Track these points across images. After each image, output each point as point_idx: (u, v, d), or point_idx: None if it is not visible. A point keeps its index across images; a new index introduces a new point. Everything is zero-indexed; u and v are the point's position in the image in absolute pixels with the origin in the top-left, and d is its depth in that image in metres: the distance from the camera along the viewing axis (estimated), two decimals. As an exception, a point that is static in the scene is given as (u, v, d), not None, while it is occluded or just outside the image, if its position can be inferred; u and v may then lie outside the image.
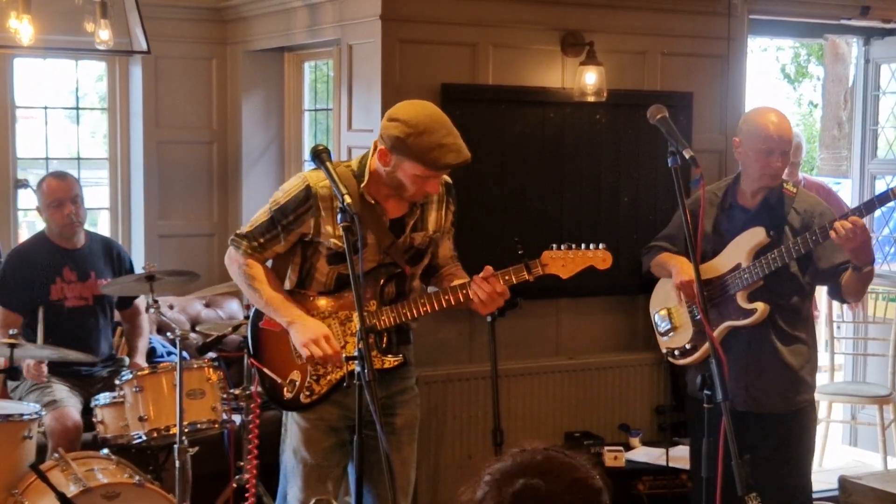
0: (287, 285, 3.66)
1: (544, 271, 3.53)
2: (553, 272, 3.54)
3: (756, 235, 3.99)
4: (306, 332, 3.48)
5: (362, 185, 3.49)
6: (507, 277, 3.50)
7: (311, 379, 3.57)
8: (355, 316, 3.45)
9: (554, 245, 3.55)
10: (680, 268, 4.08)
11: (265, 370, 3.63)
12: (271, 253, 3.63)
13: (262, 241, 3.59)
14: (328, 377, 3.56)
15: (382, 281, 3.55)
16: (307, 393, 3.57)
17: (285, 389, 3.59)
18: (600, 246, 3.57)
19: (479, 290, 3.48)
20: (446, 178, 3.68)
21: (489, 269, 3.50)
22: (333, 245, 3.49)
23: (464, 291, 3.50)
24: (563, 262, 3.54)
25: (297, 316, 3.52)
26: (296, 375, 3.58)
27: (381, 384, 3.48)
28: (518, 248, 3.56)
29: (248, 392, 4.63)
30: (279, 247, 3.60)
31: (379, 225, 3.52)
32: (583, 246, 3.56)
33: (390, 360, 3.59)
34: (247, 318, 4.01)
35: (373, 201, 3.51)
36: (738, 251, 4.02)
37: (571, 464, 1.75)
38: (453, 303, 3.53)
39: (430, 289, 3.74)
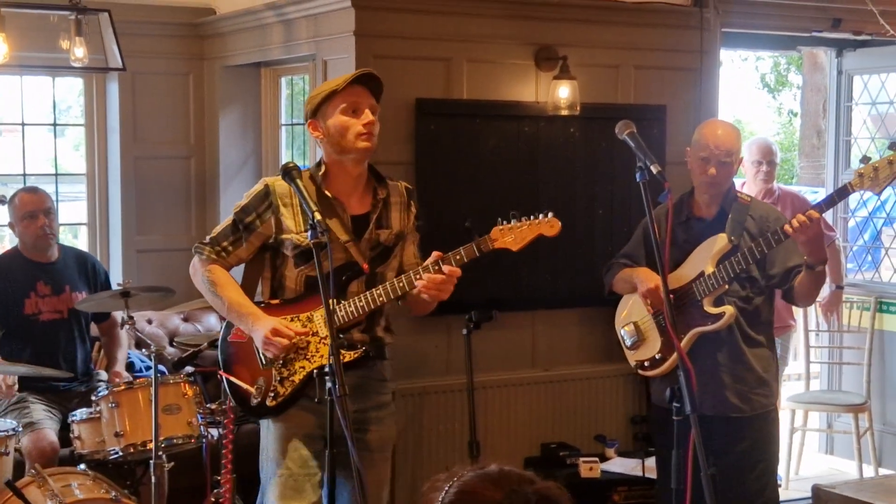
0: (259, 299, 3.68)
1: (494, 246, 3.55)
2: (503, 246, 3.56)
3: (718, 242, 4.08)
4: (259, 333, 3.51)
5: (320, 179, 3.55)
6: (458, 257, 3.51)
7: (276, 382, 3.59)
8: (316, 314, 3.54)
9: (501, 219, 3.56)
10: (644, 277, 4.16)
11: (231, 378, 3.65)
12: (235, 258, 3.65)
13: (225, 244, 3.63)
14: (291, 378, 3.57)
15: (344, 278, 3.55)
16: (272, 396, 3.58)
17: (251, 396, 3.61)
18: (549, 215, 3.59)
19: (424, 282, 3.47)
20: (406, 184, 3.76)
21: (437, 253, 3.52)
22: (296, 241, 3.51)
23: (417, 276, 3.50)
24: (511, 234, 3.56)
25: (254, 320, 3.55)
26: (261, 381, 3.61)
27: (356, 398, 3.50)
28: (468, 227, 3.57)
29: (224, 407, 4.65)
30: (242, 250, 3.63)
31: (340, 221, 3.54)
32: (529, 217, 3.57)
33: (350, 354, 3.53)
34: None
35: (331, 196, 3.55)
36: (702, 259, 4.09)
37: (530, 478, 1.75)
38: (399, 292, 3.51)
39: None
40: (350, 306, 3.53)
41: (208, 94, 6.45)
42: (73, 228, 6.94)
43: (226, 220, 3.68)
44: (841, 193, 3.97)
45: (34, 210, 5.02)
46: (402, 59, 5.12)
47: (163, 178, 6.44)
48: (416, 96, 5.12)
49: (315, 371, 3.48)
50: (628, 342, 4.33)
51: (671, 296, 4.04)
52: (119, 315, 5.06)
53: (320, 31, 5.30)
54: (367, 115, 3.54)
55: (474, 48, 5.24)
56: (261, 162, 6.47)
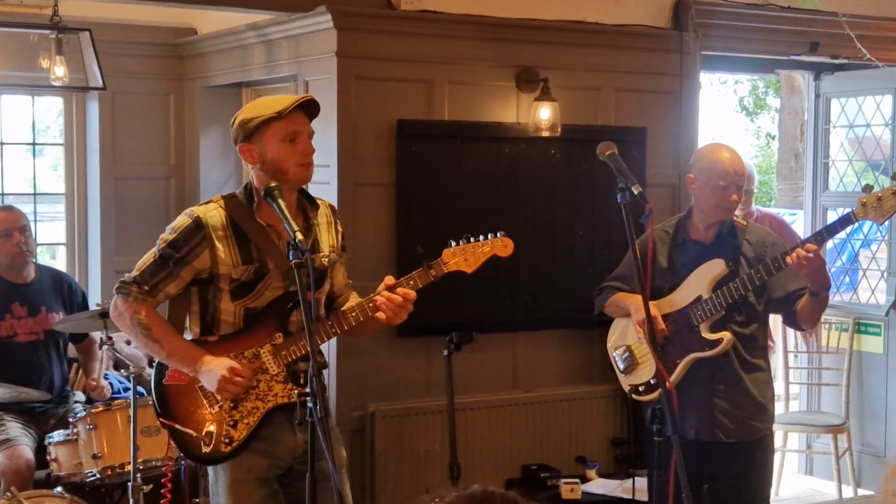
0: (190, 337, 3.47)
1: (447, 269, 3.47)
2: (456, 269, 3.48)
3: (715, 267, 4.04)
4: (215, 374, 3.32)
5: (253, 207, 3.41)
6: (411, 282, 3.44)
7: (228, 426, 3.39)
8: (262, 351, 3.38)
9: (452, 242, 3.50)
10: (637, 306, 4.09)
11: (178, 427, 3.42)
12: (163, 296, 3.42)
13: (153, 282, 3.39)
14: (245, 421, 3.39)
15: (290, 306, 3.40)
16: (226, 441, 3.39)
17: (202, 443, 3.40)
18: (499, 234, 3.54)
19: (384, 301, 3.41)
20: (330, 202, 3.65)
21: (390, 278, 3.46)
22: (234, 275, 3.35)
23: (370, 304, 3.42)
24: (464, 256, 3.49)
25: (201, 362, 3.35)
26: (211, 427, 3.40)
27: (301, 428, 3.32)
28: (419, 251, 3.51)
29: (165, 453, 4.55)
30: (172, 287, 3.40)
31: (276, 250, 3.38)
32: (482, 237, 3.52)
33: (301, 389, 3.30)
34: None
35: (266, 225, 3.41)
36: (698, 283, 4.06)
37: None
38: (362, 318, 3.43)
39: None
40: (301, 341, 3.37)
41: (189, 114, 6.44)
42: (52, 248, 6.90)
43: (148, 254, 3.44)
44: (844, 222, 3.93)
45: (9, 228, 4.98)
46: (383, 81, 5.13)
47: (142, 198, 6.42)
48: (398, 117, 5.12)
49: (297, 393, 3.33)
50: (621, 366, 4.29)
51: (665, 322, 4.05)
52: (98, 335, 5.03)
53: (302, 52, 5.30)
54: (306, 143, 3.41)
55: (456, 70, 5.26)
56: (241, 183, 6.42)
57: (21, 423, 4.89)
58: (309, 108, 3.45)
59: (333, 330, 3.46)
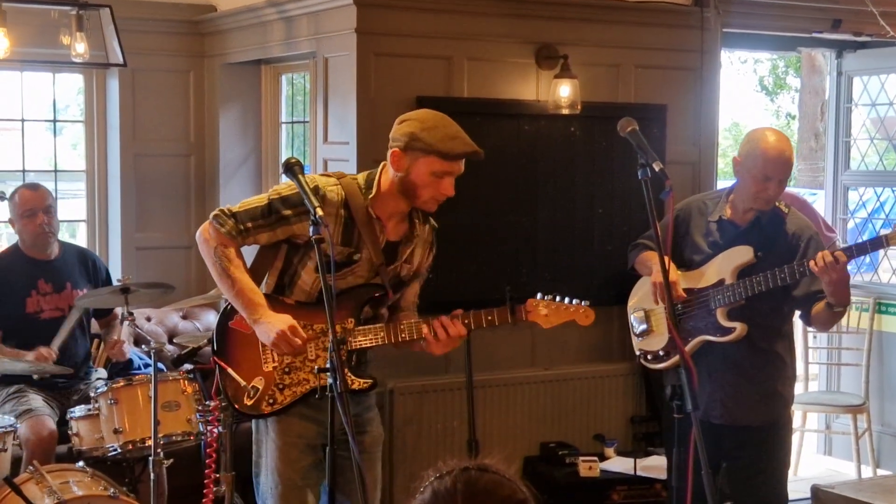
0: (263, 290, 3.55)
1: (527, 318, 3.55)
2: (535, 320, 3.56)
3: (744, 254, 3.98)
4: (272, 328, 3.39)
5: (370, 197, 3.48)
6: (489, 318, 3.51)
7: (275, 388, 3.49)
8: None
9: (539, 294, 3.57)
10: (659, 268, 4.08)
11: (229, 370, 3.51)
12: (252, 241, 3.50)
13: (249, 225, 3.45)
14: (293, 388, 3.49)
15: (377, 295, 3.51)
16: (269, 402, 3.49)
17: (246, 395, 3.49)
18: (584, 303, 3.59)
19: (439, 328, 3.48)
20: (433, 221, 3.69)
21: (458, 311, 3.52)
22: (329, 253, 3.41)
23: (426, 326, 3.50)
24: (546, 312, 3.56)
25: (263, 313, 3.42)
26: (259, 382, 3.50)
27: (352, 402, 3.48)
28: (509, 294, 3.54)
29: (223, 404, 4.62)
30: (264, 237, 3.47)
31: (376, 243, 3.48)
32: (567, 300, 3.58)
33: (360, 382, 3.53)
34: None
35: (375, 217, 3.48)
36: (724, 267, 4.01)
37: (493, 483, 1.71)
38: (407, 338, 3.51)
39: None
40: (369, 334, 3.49)
41: (208, 91, 6.45)
42: (72, 226, 6.93)
43: (257, 198, 3.51)
44: (874, 244, 3.87)
45: (34, 208, 5.01)
46: (402, 57, 5.12)
47: (162, 175, 6.43)
48: (417, 94, 5.11)
49: (317, 368, 3.39)
50: (637, 328, 4.26)
51: (685, 295, 4.03)
52: (119, 311, 5.05)
53: (321, 29, 5.29)
54: (449, 185, 3.46)
55: (475, 46, 5.24)
56: (260, 160, 6.46)
57: (43, 396, 4.92)
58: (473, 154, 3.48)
59: (403, 335, 3.52)
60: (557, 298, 3.57)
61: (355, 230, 3.45)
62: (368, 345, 3.51)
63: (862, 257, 3.87)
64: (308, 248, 3.45)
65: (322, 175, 3.56)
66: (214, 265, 3.48)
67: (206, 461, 4.22)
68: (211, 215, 3.52)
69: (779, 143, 3.97)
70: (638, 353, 4.27)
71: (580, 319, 3.59)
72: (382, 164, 3.53)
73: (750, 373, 4.08)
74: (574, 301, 3.58)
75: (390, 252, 3.54)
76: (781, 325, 4.13)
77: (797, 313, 4.16)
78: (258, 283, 3.54)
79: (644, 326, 4.22)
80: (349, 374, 3.46)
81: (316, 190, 3.41)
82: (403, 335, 3.50)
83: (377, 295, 3.52)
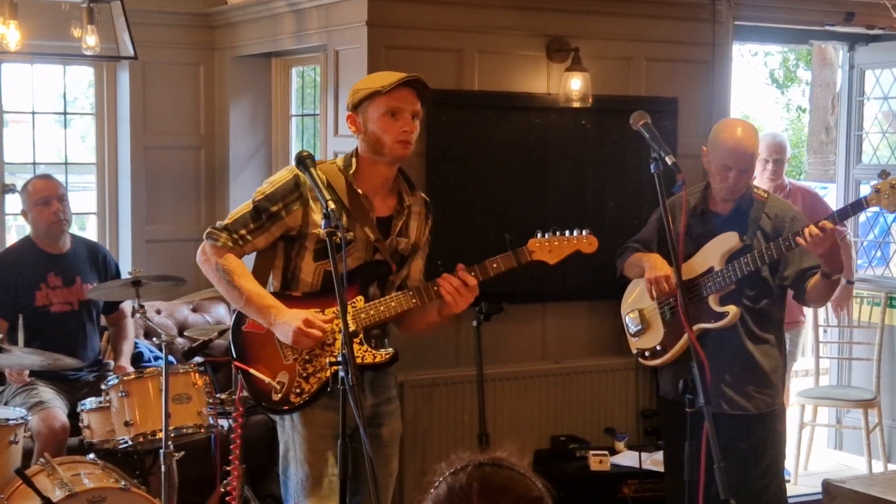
0: (270, 290, 3.57)
1: (532, 258, 3.58)
2: (540, 258, 3.59)
3: (729, 240, 4.05)
4: (289, 328, 3.40)
5: (351, 173, 3.49)
6: (495, 265, 3.53)
7: (300, 378, 3.49)
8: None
9: (539, 232, 3.60)
10: (652, 263, 4.15)
11: (252, 371, 3.51)
12: (251, 247, 3.53)
13: (243, 233, 3.48)
14: (317, 375, 3.48)
15: (372, 276, 3.51)
16: (297, 392, 3.49)
17: (273, 391, 3.50)
18: (584, 232, 3.63)
19: (446, 283, 3.49)
20: (424, 196, 3.71)
21: (461, 265, 3.53)
22: (321, 236, 3.38)
23: (435, 288, 3.50)
24: (549, 248, 3.59)
25: (276, 314, 3.43)
26: (283, 377, 3.50)
27: (371, 393, 3.51)
28: (508, 240, 3.56)
29: (233, 397, 4.63)
30: (261, 239, 3.50)
31: (367, 219, 3.48)
32: (567, 232, 3.62)
33: (381, 355, 3.53)
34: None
35: (361, 192, 3.48)
36: (711, 255, 4.07)
37: (509, 480, 1.69)
38: (419, 302, 3.51)
39: None
40: (381, 306, 3.49)
41: (218, 84, 6.44)
42: (82, 218, 6.93)
43: (243, 206, 3.54)
44: (855, 207, 3.92)
45: (48, 196, 5.02)
46: (413, 50, 5.11)
47: (172, 168, 6.44)
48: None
49: (328, 362, 3.39)
50: (632, 329, 4.32)
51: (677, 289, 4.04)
52: (129, 305, 5.06)
53: (332, 22, 5.28)
54: (408, 121, 3.47)
55: (486, 39, 5.23)
56: (270, 153, 6.46)
57: (54, 389, 4.93)
58: (420, 89, 3.50)
59: (413, 300, 3.51)
60: (557, 233, 3.61)
61: (343, 211, 3.45)
62: (384, 316, 3.50)
63: (844, 219, 3.91)
64: (301, 239, 3.49)
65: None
66: (220, 281, 3.51)
67: (223, 455, 4.24)
68: (204, 234, 3.55)
69: (739, 133, 4.07)
70: (635, 351, 4.31)
71: (584, 248, 3.63)
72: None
73: (748, 359, 4.13)
74: (574, 232, 3.62)
75: (383, 227, 3.55)
76: (774, 310, 4.17)
77: (790, 294, 4.19)
78: (263, 286, 3.55)
79: (639, 326, 4.28)
80: (370, 349, 3.49)
81: (297, 178, 3.45)
82: (414, 300, 3.51)
83: (382, 270, 3.53)
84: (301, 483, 3.54)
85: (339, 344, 3.44)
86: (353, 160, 3.52)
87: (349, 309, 3.44)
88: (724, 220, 4.12)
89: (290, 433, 3.57)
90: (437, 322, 3.67)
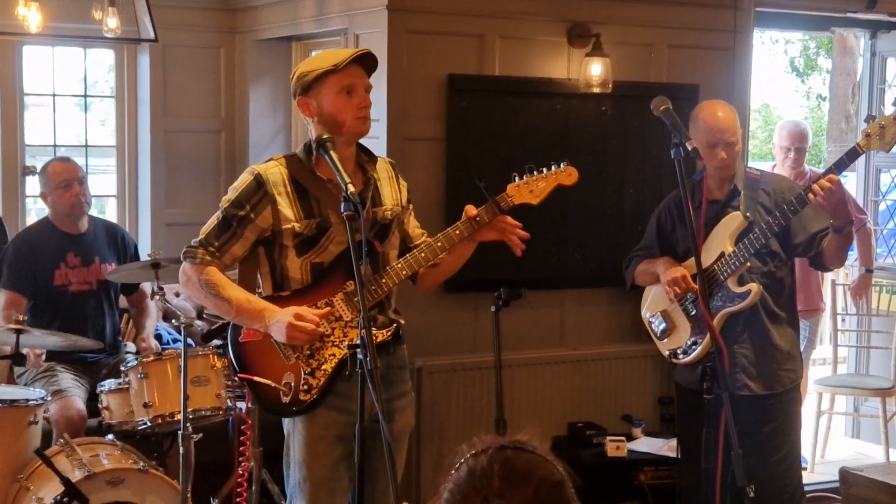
0: (263, 295, 3.50)
1: (513, 202, 3.54)
2: (523, 201, 3.55)
3: (734, 220, 4.07)
4: (281, 326, 3.34)
5: (312, 160, 3.42)
6: (478, 218, 3.49)
7: (307, 375, 3.43)
8: (335, 299, 3.42)
9: (515, 176, 3.55)
10: (665, 266, 4.16)
11: (257, 379, 3.44)
12: (230, 257, 3.44)
13: (217, 244, 3.41)
14: (323, 367, 3.42)
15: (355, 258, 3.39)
16: (305, 389, 3.42)
17: (281, 393, 3.42)
18: (562, 164, 3.58)
19: (469, 218, 3.48)
20: (389, 159, 3.67)
21: (470, 207, 3.51)
22: (297, 229, 3.37)
23: (457, 232, 3.47)
24: (528, 188, 3.55)
25: (268, 315, 3.37)
26: (289, 377, 3.43)
27: (383, 383, 3.42)
28: (482, 186, 3.50)
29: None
30: (237, 248, 3.42)
31: (337, 202, 3.31)
32: (544, 170, 3.57)
33: (384, 333, 3.47)
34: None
35: (326, 179, 3.41)
36: (720, 240, 4.09)
37: (530, 463, 1.69)
38: (447, 245, 3.48)
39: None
40: (391, 273, 3.45)
41: (239, 67, 6.45)
42: (102, 201, 6.96)
43: (212, 219, 3.44)
44: (851, 155, 3.90)
45: (69, 178, 5.03)
46: (434, 35, 5.10)
47: (192, 151, 6.45)
48: (448, 72, 5.09)
49: (347, 345, 3.35)
50: (658, 331, 4.31)
51: (697, 287, 4.03)
52: (148, 286, 5.07)
53: (353, 5, 5.28)
54: (363, 97, 3.41)
55: (507, 24, 5.21)
56: (290, 137, 6.47)
57: (73, 373, 4.95)
58: (366, 63, 3.45)
59: (422, 256, 3.47)
60: (535, 173, 3.56)
61: (311, 198, 3.40)
62: (397, 280, 3.47)
63: (843, 170, 3.95)
64: (278, 238, 3.41)
65: (262, 163, 3.51)
66: (207, 297, 3.44)
67: (239, 437, 4.23)
68: (181, 255, 3.48)
69: (722, 110, 4.11)
70: (667, 353, 4.30)
71: (564, 180, 3.58)
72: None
73: (768, 338, 4.14)
74: (552, 167, 3.57)
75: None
76: (787, 283, 4.18)
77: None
78: (253, 293, 3.49)
79: (664, 326, 4.27)
80: (375, 331, 3.41)
81: (258, 177, 3.39)
82: (435, 251, 3.48)
83: (366, 250, 3.38)
84: (299, 485, 3.49)
85: (338, 333, 3.42)
86: (313, 149, 3.41)
87: (339, 296, 3.42)
88: (722, 205, 4.14)
89: (291, 432, 3.52)
90: (454, 269, 3.65)
